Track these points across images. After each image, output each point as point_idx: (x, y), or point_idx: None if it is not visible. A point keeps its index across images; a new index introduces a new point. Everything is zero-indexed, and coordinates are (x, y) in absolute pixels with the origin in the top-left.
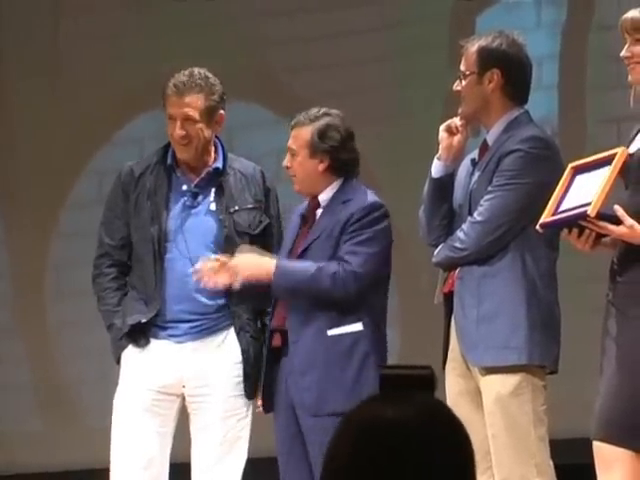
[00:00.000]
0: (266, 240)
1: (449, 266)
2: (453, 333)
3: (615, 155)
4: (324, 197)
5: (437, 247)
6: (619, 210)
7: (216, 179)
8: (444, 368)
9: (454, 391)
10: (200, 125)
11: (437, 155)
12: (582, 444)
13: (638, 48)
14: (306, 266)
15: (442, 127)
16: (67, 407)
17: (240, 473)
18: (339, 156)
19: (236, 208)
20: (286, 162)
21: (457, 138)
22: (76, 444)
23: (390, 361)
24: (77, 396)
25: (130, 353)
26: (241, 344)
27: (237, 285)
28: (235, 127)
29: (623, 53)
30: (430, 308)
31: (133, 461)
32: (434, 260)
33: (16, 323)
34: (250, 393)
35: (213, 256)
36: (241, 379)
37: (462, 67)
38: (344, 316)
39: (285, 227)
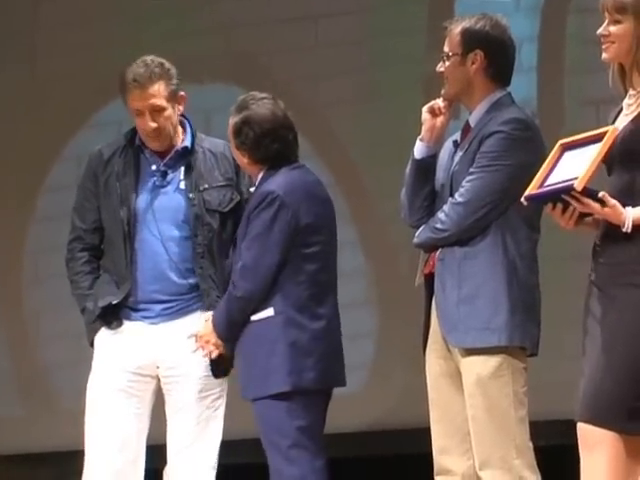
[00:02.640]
0: (237, 217)
1: (430, 247)
2: (434, 315)
3: (605, 133)
4: (254, 186)
5: (419, 228)
6: (602, 192)
7: (185, 158)
8: (424, 350)
9: (435, 373)
10: (168, 112)
11: (420, 136)
12: (562, 426)
13: (616, 28)
14: (222, 303)
15: (425, 108)
16: (46, 391)
17: (216, 452)
18: (254, 153)
19: (206, 186)
20: None
21: (440, 119)
22: (55, 427)
23: (371, 342)
24: (56, 380)
25: (103, 335)
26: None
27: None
28: (212, 109)
29: (600, 31)
30: (410, 290)
31: (108, 443)
32: (415, 241)
33: None
34: (218, 372)
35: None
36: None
37: (445, 48)
38: (258, 303)
39: None
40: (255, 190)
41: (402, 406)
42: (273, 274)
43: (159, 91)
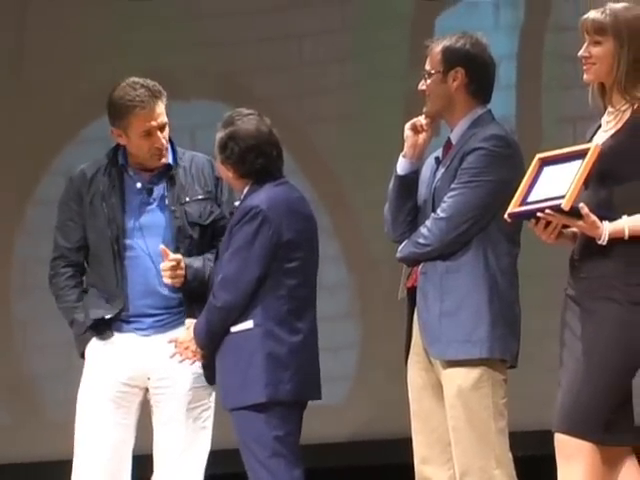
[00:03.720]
0: (214, 230)
1: (413, 261)
2: (416, 328)
3: (587, 150)
4: (238, 202)
5: (401, 243)
6: (584, 208)
7: (167, 174)
8: (406, 362)
9: (417, 385)
10: (168, 128)
11: (402, 153)
12: (540, 436)
13: (596, 49)
14: (203, 314)
15: (407, 125)
16: (32, 401)
17: (203, 464)
18: (238, 168)
19: (187, 199)
20: None
21: (422, 136)
22: (41, 437)
23: (354, 354)
24: (42, 390)
25: (95, 346)
26: None
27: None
28: (198, 125)
29: (581, 52)
30: (393, 303)
31: (97, 451)
32: (398, 256)
33: None
34: (211, 379)
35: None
36: (202, 370)
37: (427, 66)
38: (238, 315)
39: None
40: (239, 205)
41: (384, 417)
42: (253, 287)
43: (162, 108)
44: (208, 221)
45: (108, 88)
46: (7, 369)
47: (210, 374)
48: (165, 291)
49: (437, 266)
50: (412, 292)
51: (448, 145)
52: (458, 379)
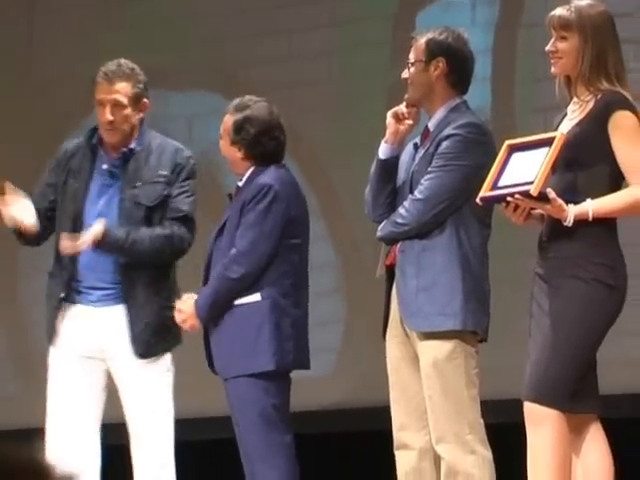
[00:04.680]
0: (163, 212)
1: (391, 240)
2: (394, 303)
3: (553, 138)
4: (242, 180)
5: (381, 223)
6: (551, 192)
7: (130, 158)
8: (384, 335)
9: (395, 357)
10: (127, 110)
11: (384, 139)
12: (510, 405)
13: (562, 44)
14: (209, 285)
15: (389, 113)
16: (38, 372)
17: (171, 424)
18: (252, 149)
19: (139, 183)
20: (220, 145)
21: (405, 123)
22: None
23: (339, 329)
24: (45, 362)
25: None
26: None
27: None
28: (194, 115)
29: (548, 47)
30: (375, 280)
31: (66, 420)
32: (378, 235)
33: None
34: (142, 353)
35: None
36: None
37: (411, 56)
38: (247, 288)
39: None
40: (245, 184)
41: (366, 387)
42: (266, 261)
43: (124, 89)
44: (154, 203)
45: None
46: (17, 344)
47: (142, 347)
48: (111, 269)
49: (414, 245)
50: (391, 269)
51: (426, 132)
52: (433, 351)
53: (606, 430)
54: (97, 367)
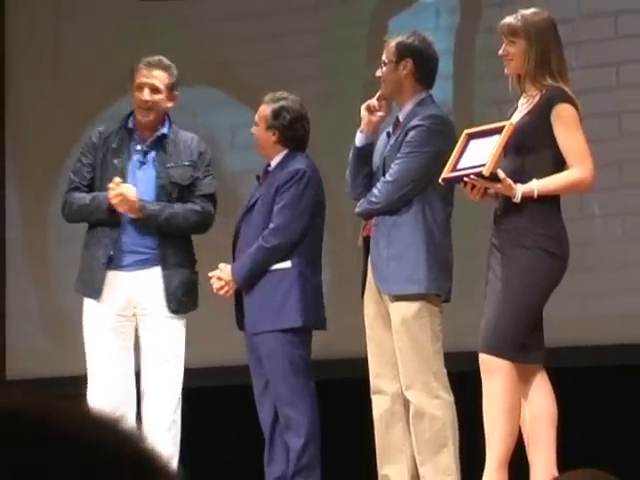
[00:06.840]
0: (193, 190)
1: (367, 216)
2: (370, 269)
3: (503, 127)
4: (273, 163)
5: (359, 201)
6: (501, 173)
7: (161, 142)
8: (363, 296)
9: (370, 314)
10: (162, 96)
11: (360, 129)
12: (468, 356)
13: (511, 48)
14: (248, 255)
15: (363, 106)
16: (70, 329)
17: (181, 373)
18: (286, 133)
19: (172, 164)
20: (252, 130)
21: (378, 114)
22: (72, 356)
23: (324, 291)
24: (73, 318)
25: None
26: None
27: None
28: (198, 106)
29: (500, 52)
30: (355, 250)
31: (106, 372)
32: (356, 211)
33: (25, 262)
34: (175, 309)
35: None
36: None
37: (383, 57)
38: (281, 258)
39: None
40: (277, 168)
41: (347, 340)
42: (299, 236)
43: (162, 77)
44: (187, 182)
45: (126, 78)
46: (49, 303)
47: (175, 303)
48: (147, 236)
49: (386, 220)
50: (367, 240)
51: (397, 122)
52: (402, 310)
53: (551, 378)
54: (128, 324)
